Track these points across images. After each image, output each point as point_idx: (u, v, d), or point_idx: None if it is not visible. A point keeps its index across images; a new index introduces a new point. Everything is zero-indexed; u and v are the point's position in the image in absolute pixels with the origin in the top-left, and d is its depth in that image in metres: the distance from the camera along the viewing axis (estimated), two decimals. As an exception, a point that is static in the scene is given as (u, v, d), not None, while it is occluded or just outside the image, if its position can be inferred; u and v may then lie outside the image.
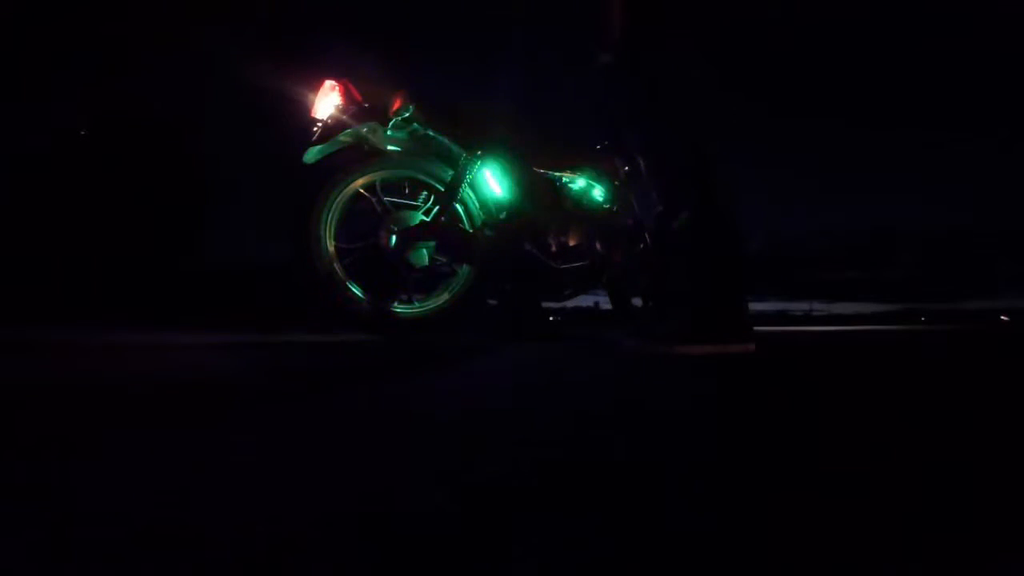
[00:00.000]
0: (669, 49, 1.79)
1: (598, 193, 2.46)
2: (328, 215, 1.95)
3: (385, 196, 2.08)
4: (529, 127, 2.43)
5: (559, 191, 2.39)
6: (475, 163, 2.19)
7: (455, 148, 2.19)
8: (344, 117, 2.00)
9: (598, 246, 2.43)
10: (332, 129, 1.98)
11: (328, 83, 2.05)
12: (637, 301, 2.82)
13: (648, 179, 1.86)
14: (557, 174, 2.40)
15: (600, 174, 2.47)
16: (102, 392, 0.87)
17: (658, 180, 1.84)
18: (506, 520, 0.37)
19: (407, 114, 2.07)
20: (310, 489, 0.43)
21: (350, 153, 2.02)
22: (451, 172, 2.17)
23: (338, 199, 1.98)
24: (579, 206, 2.41)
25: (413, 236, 2.05)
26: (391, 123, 2.06)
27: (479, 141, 2.20)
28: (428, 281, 2.24)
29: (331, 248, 1.96)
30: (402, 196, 2.16)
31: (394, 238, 2.03)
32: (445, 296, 2.22)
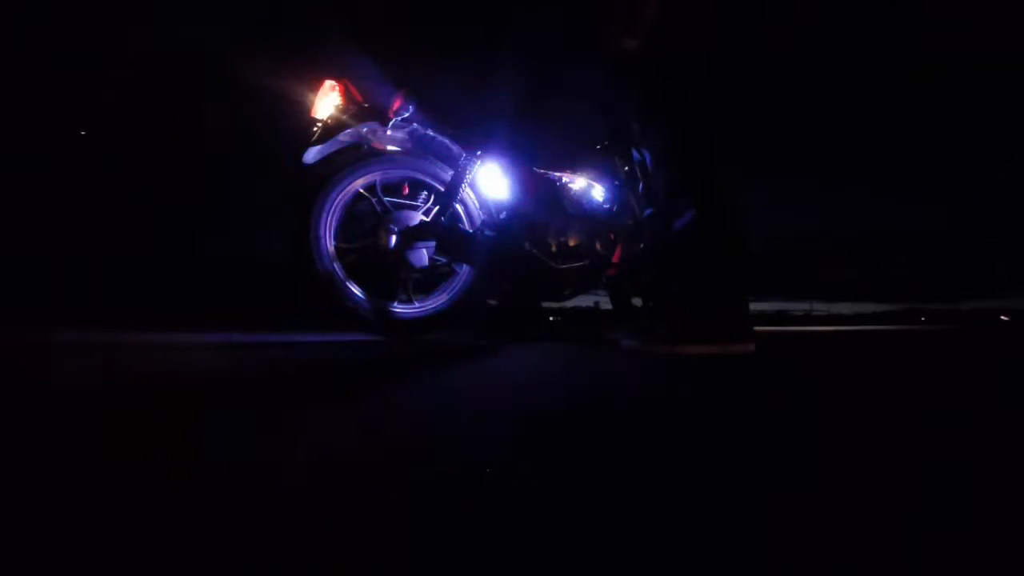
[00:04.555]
0: (692, 46, 1.79)
1: (598, 193, 2.46)
2: (328, 215, 1.96)
3: (385, 196, 2.08)
4: (529, 127, 2.43)
5: (559, 191, 2.39)
6: (475, 163, 2.19)
7: (455, 148, 2.19)
8: (344, 117, 2.00)
9: (598, 246, 2.43)
10: (332, 129, 1.98)
11: (328, 83, 2.05)
12: (637, 301, 2.82)
13: (653, 174, 1.86)
14: (557, 174, 2.40)
15: (600, 174, 2.47)
16: (102, 392, 0.87)
17: (663, 176, 1.84)
18: (506, 520, 0.37)
19: (407, 114, 2.08)
20: (310, 489, 0.43)
21: (350, 153, 2.02)
22: (451, 172, 2.17)
23: (338, 199, 1.98)
24: (579, 206, 2.41)
25: (413, 236, 2.05)
26: (391, 123, 2.06)
27: (479, 141, 2.20)
28: (428, 281, 2.25)
29: (331, 248, 1.96)
30: (402, 196, 2.16)
31: (394, 238, 2.03)
32: (445, 296, 2.22)
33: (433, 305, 2.19)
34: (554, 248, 2.34)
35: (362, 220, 2.08)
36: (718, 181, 1.76)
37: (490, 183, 2.27)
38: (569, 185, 2.41)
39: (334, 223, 1.98)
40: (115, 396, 0.83)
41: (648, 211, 1.98)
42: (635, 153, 1.91)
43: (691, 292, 1.73)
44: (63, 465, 0.48)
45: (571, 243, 2.38)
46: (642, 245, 2.51)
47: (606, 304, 2.85)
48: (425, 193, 2.19)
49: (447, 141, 2.18)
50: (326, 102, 2.03)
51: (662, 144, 1.83)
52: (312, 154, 1.99)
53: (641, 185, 1.95)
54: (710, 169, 1.77)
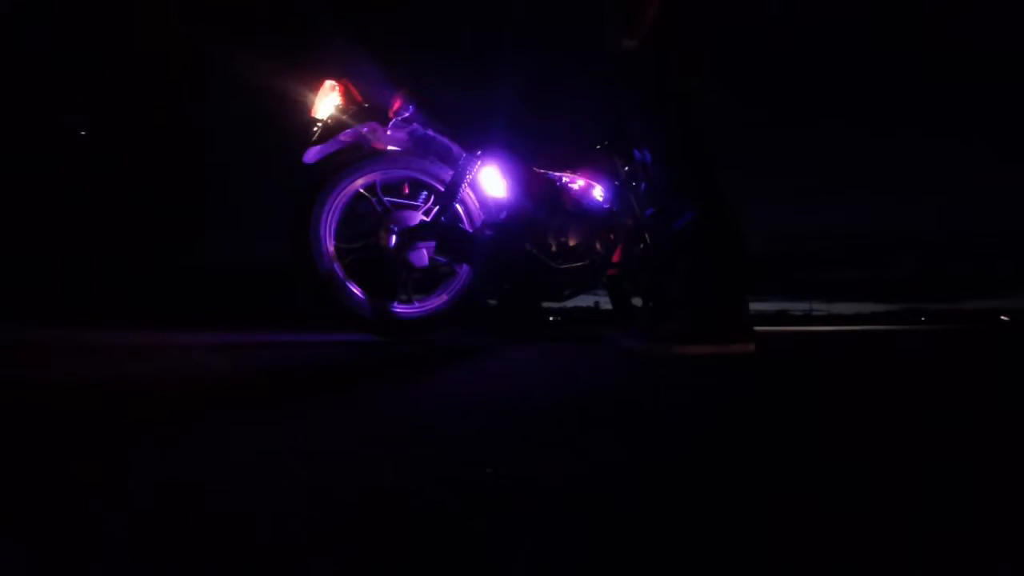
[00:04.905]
0: (692, 45, 1.80)
1: (598, 193, 2.46)
2: (328, 215, 1.95)
3: (385, 196, 2.08)
4: (529, 127, 2.43)
5: (559, 191, 2.39)
6: (475, 163, 2.19)
7: (455, 148, 2.19)
8: (344, 117, 2.00)
9: (598, 246, 2.43)
10: (332, 129, 1.98)
11: (328, 83, 2.05)
12: (637, 301, 2.82)
13: (653, 173, 1.85)
14: (557, 174, 2.40)
15: (600, 174, 2.47)
16: (102, 392, 0.87)
17: (664, 175, 1.84)
18: (507, 520, 0.37)
19: (407, 114, 2.08)
20: (310, 489, 0.43)
21: (350, 153, 2.02)
22: (451, 172, 2.17)
23: (338, 199, 1.98)
24: (579, 206, 2.41)
25: (413, 236, 2.05)
26: (391, 123, 2.06)
27: (479, 141, 2.20)
28: (428, 281, 2.25)
29: (331, 248, 1.96)
30: (402, 196, 2.16)
31: (394, 238, 2.03)
32: (445, 296, 2.22)
33: (433, 305, 2.19)
34: (554, 248, 2.34)
35: (362, 220, 2.08)
36: (717, 181, 1.76)
37: (490, 183, 2.27)
38: (569, 185, 2.42)
39: (334, 223, 1.98)
40: (115, 396, 0.83)
41: (649, 211, 1.98)
42: (636, 153, 1.91)
43: (691, 292, 1.73)
44: (63, 465, 0.48)
45: (571, 243, 2.38)
46: (642, 245, 2.52)
47: (606, 304, 2.86)
48: (425, 193, 2.19)
49: (447, 141, 2.18)
50: (326, 102, 2.03)
51: (662, 144, 1.83)
52: (312, 154, 1.99)
53: (643, 185, 1.95)
54: (710, 169, 1.77)
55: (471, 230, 2.23)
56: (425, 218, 2.10)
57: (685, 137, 1.78)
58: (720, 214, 1.74)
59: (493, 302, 2.92)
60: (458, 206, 2.21)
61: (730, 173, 1.83)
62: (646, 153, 1.87)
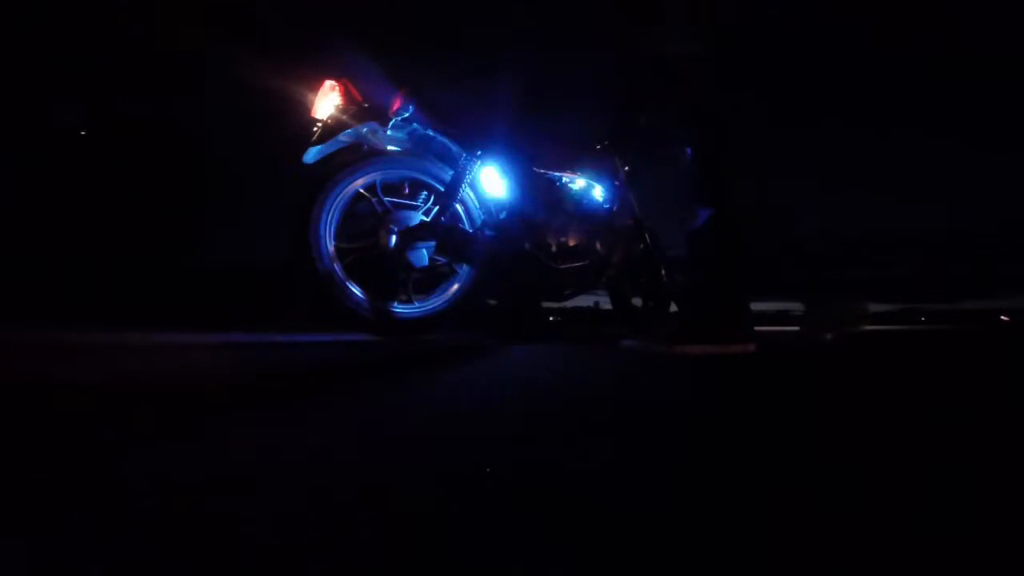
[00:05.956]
0: (716, 47, 1.82)
1: (598, 193, 2.46)
2: (328, 215, 1.95)
3: (385, 196, 2.08)
4: (529, 127, 2.43)
5: (559, 191, 2.39)
6: (475, 163, 2.19)
7: (455, 148, 2.19)
8: (344, 117, 2.00)
9: (598, 246, 2.43)
10: (332, 129, 1.98)
11: (328, 83, 2.05)
12: (637, 301, 2.82)
13: (686, 170, 1.86)
14: (557, 174, 2.40)
15: (600, 174, 2.47)
16: (102, 392, 0.87)
17: (697, 174, 1.84)
18: (505, 520, 0.37)
19: (407, 114, 2.08)
20: (310, 489, 0.43)
21: (350, 153, 2.02)
22: (451, 172, 2.17)
23: (338, 199, 1.98)
24: (579, 206, 2.41)
25: (413, 236, 2.05)
26: (391, 123, 2.06)
27: (479, 141, 2.20)
28: (428, 281, 2.24)
29: (331, 248, 1.96)
30: (402, 196, 2.16)
31: (394, 238, 2.03)
32: (445, 296, 2.22)
33: (433, 305, 2.19)
34: (554, 248, 2.34)
35: (362, 220, 2.08)
36: (732, 182, 1.78)
37: (490, 183, 2.27)
38: (569, 185, 2.42)
39: (334, 223, 1.98)
40: (115, 396, 0.83)
41: (678, 206, 1.97)
42: (688, 152, 1.90)
43: (692, 292, 1.73)
44: (63, 465, 0.48)
45: (571, 243, 2.38)
46: (642, 245, 2.52)
47: (606, 304, 2.86)
48: (425, 193, 2.19)
49: (447, 141, 2.17)
50: (326, 102, 2.03)
51: (697, 145, 1.84)
52: (312, 154, 1.99)
53: (681, 184, 1.94)
54: (728, 170, 1.79)
55: (471, 230, 2.23)
56: (425, 218, 2.10)
57: (719, 138, 1.80)
58: (736, 215, 1.75)
59: (493, 302, 2.92)
60: (458, 206, 2.20)
61: (760, 173, 1.87)
62: (686, 151, 1.88)
